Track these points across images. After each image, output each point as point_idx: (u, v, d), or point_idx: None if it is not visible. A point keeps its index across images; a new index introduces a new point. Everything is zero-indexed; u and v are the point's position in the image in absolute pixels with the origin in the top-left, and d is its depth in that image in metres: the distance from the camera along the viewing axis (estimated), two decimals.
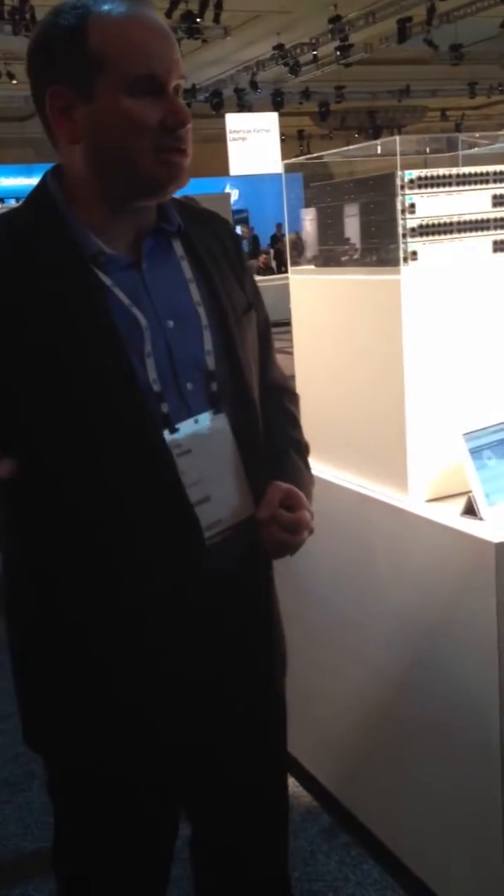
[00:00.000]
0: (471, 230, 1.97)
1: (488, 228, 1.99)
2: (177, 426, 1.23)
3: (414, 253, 1.92)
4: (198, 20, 9.32)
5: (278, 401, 1.47)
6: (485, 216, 1.98)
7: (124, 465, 1.21)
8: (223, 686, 1.32)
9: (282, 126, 13.81)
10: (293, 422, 1.48)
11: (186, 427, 1.24)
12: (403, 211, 1.90)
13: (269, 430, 1.39)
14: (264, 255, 16.54)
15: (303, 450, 1.46)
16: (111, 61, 1.15)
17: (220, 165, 12.61)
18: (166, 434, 1.22)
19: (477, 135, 2.26)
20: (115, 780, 1.29)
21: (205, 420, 1.27)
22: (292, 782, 2.52)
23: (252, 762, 1.41)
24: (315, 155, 2.54)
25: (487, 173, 1.98)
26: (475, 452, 1.85)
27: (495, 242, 2.00)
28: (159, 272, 1.26)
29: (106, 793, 1.30)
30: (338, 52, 11.67)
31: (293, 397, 1.51)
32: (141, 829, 1.34)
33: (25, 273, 1.18)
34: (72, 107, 1.17)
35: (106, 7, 1.16)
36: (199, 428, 1.26)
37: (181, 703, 1.28)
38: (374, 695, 2.14)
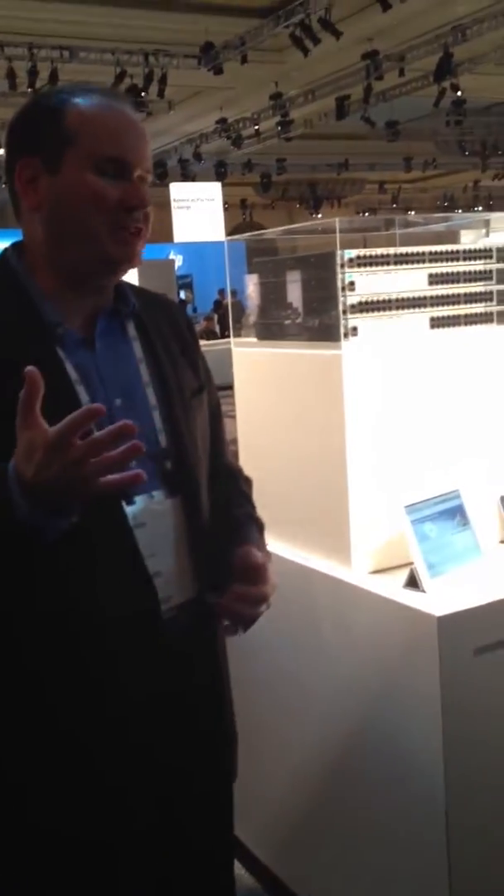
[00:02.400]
0: (408, 307, 2.03)
1: (425, 306, 2.05)
2: (133, 500, 1.26)
3: (354, 328, 1.96)
4: (143, 94, 9.55)
5: (233, 481, 1.50)
6: (422, 294, 2.04)
7: (86, 536, 1.19)
8: (174, 766, 1.31)
9: (225, 195, 14.10)
10: (249, 501, 1.51)
11: (141, 501, 1.27)
12: (343, 288, 1.95)
13: (227, 506, 1.41)
14: (207, 321, 16.71)
15: (262, 527, 1.49)
16: (82, 138, 1.22)
17: (164, 232, 12.79)
18: (124, 505, 1.24)
19: (412, 215, 2.34)
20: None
21: (159, 496, 1.29)
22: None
23: (201, 845, 1.40)
24: (258, 232, 2.60)
25: (424, 253, 2.05)
26: (417, 524, 1.87)
27: (432, 319, 2.06)
28: (111, 351, 1.30)
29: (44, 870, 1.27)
30: (279, 127, 12.03)
31: (247, 481, 1.54)
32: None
33: None
34: (38, 178, 1.23)
35: (87, 97, 1.24)
36: (152, 503, 1.28)
37: (130, 776, 1.27)
38: (318, 769, 2.10)
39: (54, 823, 1.24)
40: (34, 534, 1.09)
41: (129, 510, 1.25)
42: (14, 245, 1.31)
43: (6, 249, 1.31)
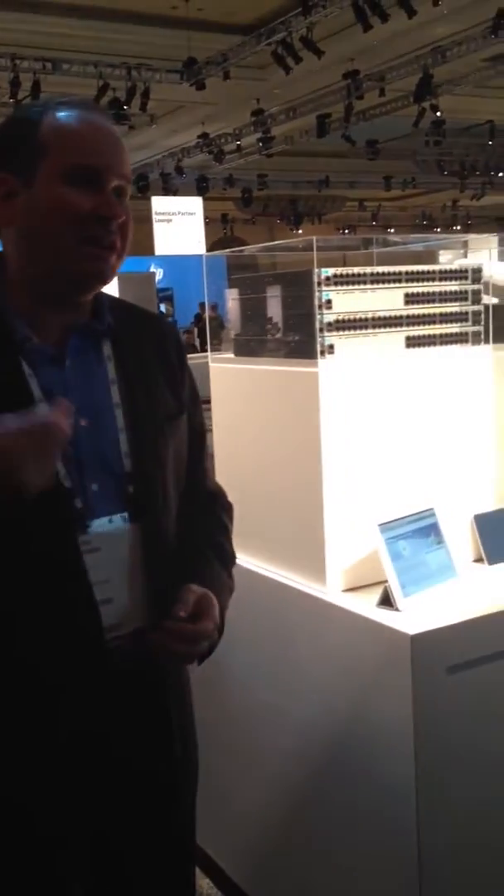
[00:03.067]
0: (385, 326, 2.04)
1: (401, 325, 2.06)
2: (88, 523, 1.23)
3: (331, 346, 1.97)
4: (125, 107, 9.58)
5: (210, 507, 1.46)
6: (398, 313, 2.05)
7: (35, 557, 1.19)
8: (122, 796, 1.29)
9: (206, 210, 14.15)
10: (222, 529, 1.47)
11: (99, 525, 1.24)
12: (320, 306, 1.96)
13: (194, 534, 1.37)
14: (187, 334, 16.72)
15: (227, 557, 1.44)
16: (54, 149, 1.19)
17: (145, 245, 12.81)
18: (80, 529, 1.22)
19: (391, 233, 2.36)
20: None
21: (118, 521, 1.26)
22: (206, 883, 2.43)
23: (154, 874, 1.37)
24: (236, 249, 2.61)
25: (400, 273, 2.06)
26: (391, 543, 1.88)
27: (408, 338, 2.07)
28: (82, 370, 1.27)
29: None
30: (260, 143, 12.11)
31: (227, 507, 1.50)
32: None
33: None
34: (14, 194, 1.21)
35: (62, 108, 1.22)
36: (111, 528, 1.25)
37: (75, 805, 1.25)
38: (290, 787, 2.10)
39: None
40: None
41: (83, 536, 1.22)
42: None
43: None
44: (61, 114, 1.22)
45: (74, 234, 1.19)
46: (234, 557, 1.46)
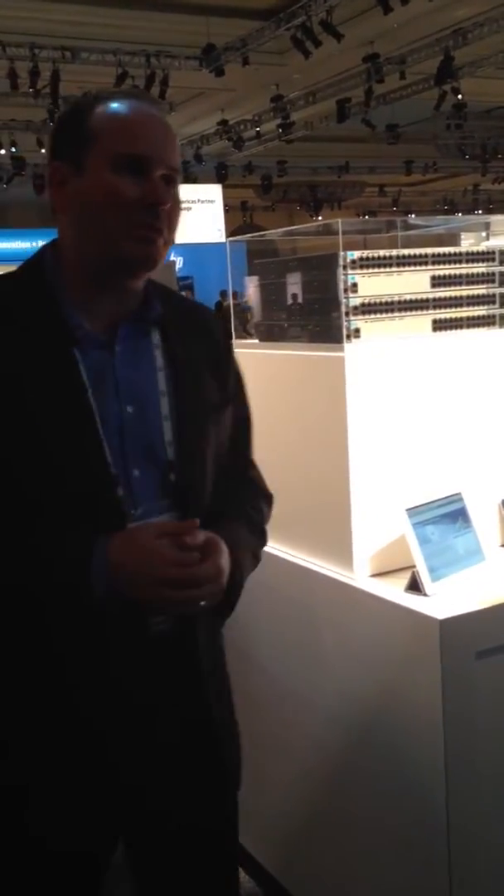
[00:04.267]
0: (411, 309, 2.02)
1: (428, 308, 2.04)
2: (131, 511, 1.24)
3: (357, 330, 1.95)
4: None
5: (248, 492, 1.46)
6: (424, 296, 2.03)
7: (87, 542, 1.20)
8: (162, 763, 1.31)
9: (226, 197, 14.14)
10: (256, 510, 1.47)
11: (141, 513, 1.25)
12: (346, 290, 1.94)
13: (226, 508, 1.38)
14: None
15: (255, 528, 1.44)
16: (102, 137, 1.22)
17: None
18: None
19: (413, 217, 2.34)
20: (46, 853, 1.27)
21: (160, 509, 1.27)
22: None
23: (199, 858, 1.39)
24: (258, 234, 2.59)
25: (426, 255, 2.04)
26: (419, 527, 1.86)
27: (435, 321, 2.05)
28: (131, 357, 1.29)
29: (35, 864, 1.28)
30: (280, 129, 12.05)
31: (266, 495, 1.52)
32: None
33: (3, 341, 1.20)
34: (66, 181, 1.24)
35: (113, 98, 1.25)
36: (152, 514, 1.26)
37: (121, 792, 1.27)
38: (318, 772, 2.10)
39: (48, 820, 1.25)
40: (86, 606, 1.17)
41: (129, 522, 1.23)
42: (53, 243, 1.31)
43: (44, 247, 1.32)
44: (110, 103, 1.24)
45: (121, 220, 1.22)
46: (263, 534, 1.46)
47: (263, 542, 1.46)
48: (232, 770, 1.42)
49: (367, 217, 19.77)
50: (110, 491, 1.22)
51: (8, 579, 1.19)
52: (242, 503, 1.44)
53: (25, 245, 13.92)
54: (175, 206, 1.26)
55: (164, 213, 1.23)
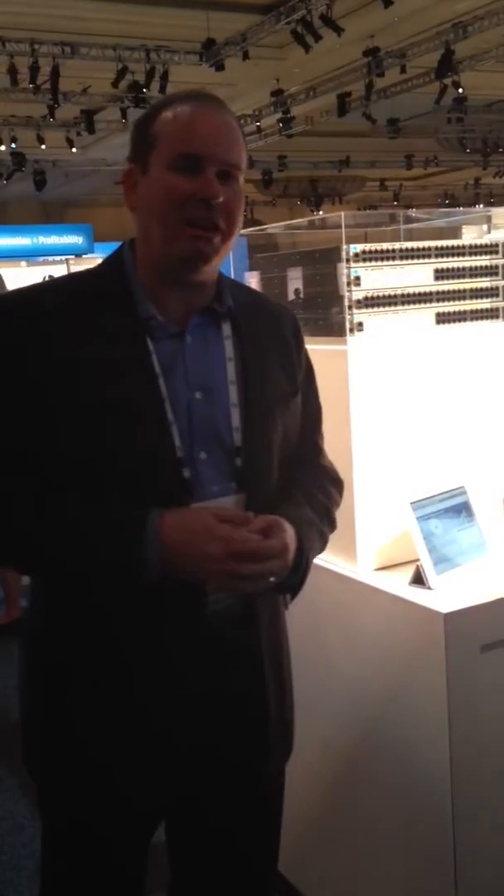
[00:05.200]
0: (414, 302, 2.01)
1: (431, 301, 2.04)
2: (197, 493, 1.29)
3: (360, 324, 1.95)
4: (144, 90, 9.54)
5: (319, 481, 1.48)
6: (427, 289, 2.03)
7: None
8: (218, 754, 1.36)
9: None
10: (324, 492, 1.48)
11: (207, 496, 1.30)
12: (349, 283, 1.94)
13: (293, 492, 1.40)
14: None
15: (321, 509, 1.44)
16: (162, 138, 1.29)
17: None
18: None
19: (414, 211, 2.33)
20: (101, 838, 1.36)
21: (225, 492, 1.31)
22: None
23: (241, 828, 1.45)
24: (259, 227, 2.59)
25: (429, 248, 2.03)
26: (423, 521, 1.86)
27: (438, 315, 2.04)
28: (201, 346, 1.34)
29: (90, 849, 1.37)
30: (280, 124, 12.01)
31: (337, 481, 1.54)
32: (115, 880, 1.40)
33: (83, 330, 1.27)
34: (137, 182, 1.33)
35: (179, 101, 1.31)
36: (217, 497, 1.31)
37: (174, 769, 1.33)
38: (322, 766, 2.10)
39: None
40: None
41: (193, 504, 1.28)
42: (132, 240, 1.38)
43: (124, 243, 1.39)
44: (174, 106, 1.30)
45: (177, 216, 1.27)
46: (329, 515, 1.47)
47: (331, 523, 1.48)
48: (279, 752, 1.46)
49: (368, 211, 19.75)
50: (177, 471, 1.27)
51: (72, 557, 1.24)
52: (309, 487, 1.46)
53: (25, 241, 13.90)
54: (234, 201, 1.30)
55: (219, 207, 1.28)
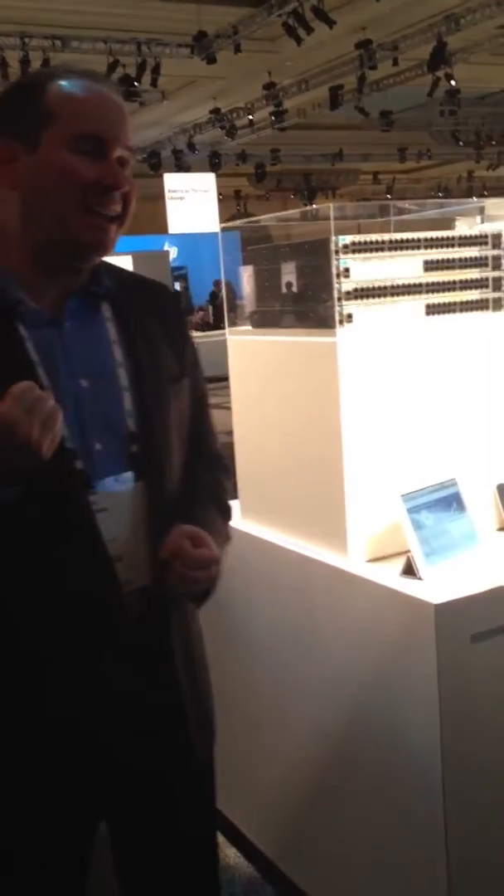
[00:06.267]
0: (404, 294, 2.01)
1: (421, 292, 2.03)
2: (94, 483, 1.24)
3: (349, 315, 1.95)
4: (135, 83, 9.50)
5: (211, 468, 1.46)
6: (417, 281, 2.03)
7: (49, 520, 1.21)
8: (136, 750, 1.32)
9: (219, 186, 14.06)
10: (221, 488, 1.48)
11: (105, 485, 1.25)
12: (338, 275, 1.93)
13: (194, 489, 1.38)
14: (202, 312, 16.68)
15: (224, 509, 1.46)
16: (61, 116, 1.21)
17: (158, 224, 12.77)
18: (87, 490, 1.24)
19: (406, 203, 2.33)
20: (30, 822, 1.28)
21: (124, 481, 1.27)
22: (233, 853, 2.45)
23: (170, 814, 1.40)
24: (252, 219, 2.58)
25: (419, 240, 2.03)
26: (413, 512, 1.86)
27: (428, 306, 2.04)
28: (82, 331, 1.28)
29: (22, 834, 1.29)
30: (272, 117, 11.99)
31: (227, 469, 1.53)
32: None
33: None
34: (17, 157, 1.22)
35: (69, 77, 1.23)
36: (117, 488, 1.26)
37: (91, 763, 1.28)
38: (316, 758, 2.10)
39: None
40: None
41: (92, 496, 1.23)
42: None
43: None
44: (68, 82, 1.23)
45: (77, 202, 1.21)
46: (230, 513, 1.48)
47: (230, 519, 1.48)
48: (202, 749, 1.43)
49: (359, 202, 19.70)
50: (68, 463, 1.21)
51: None
52: (211, 485, 1.44)
53: None
54: (131, 189, 1.25)
55: (121, 195, 1.23)
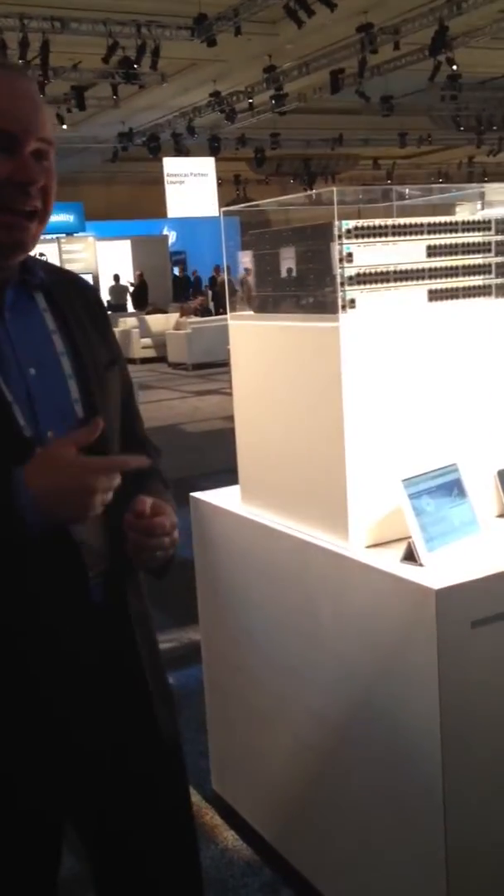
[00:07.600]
0: (407, 279, 2.00)
1: (423, 278, 2.03)
2: None
3: (352, 301, 1.94)
4: (135, 66, 9.45)
5: (147, 451, 1.48)
6: (420, 266, 2.02)
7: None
8: (103, 728, 1.33)
9: (218, 170, 14.04)
10: (159, 465, 1.52)
11: None
12: (341, 260, 1.92)
13: (139, 479, 1.38)
14: (201, 297, 16.63)
15: (167, 485, 1.49)
16: None
17: (157, 208, 12.72)
18: None
19: (408, 189, 2.31)
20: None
21: None
22: (231, 836, 2.46)
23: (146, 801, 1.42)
24: (252, 203, 2.57)
25: (422, 224, 2.02)
26: (414, 498, 1.86)
27: (430, 292, 2.04)
28: (22, 322, 1.28)
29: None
30: (273, 101, 11.92)
31: (156, 450, 1.56)
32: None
33: None
34: None
35: None
36: None
37: (61, 750, 1.29)
38: (315, 743, 2.11)
39: None
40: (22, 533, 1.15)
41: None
42: None
43: None
44: None
45: None
46: (170, 486, 1.52)
47: (171, 493, 1.52)
48: (167, 723, 1.45)
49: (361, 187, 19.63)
50: (28, 451, 1.20)
51: None
52: (152, 462, 1.46)
53: None
54: (48, 181, 1.22)
55: (37, 190, 1.20)
